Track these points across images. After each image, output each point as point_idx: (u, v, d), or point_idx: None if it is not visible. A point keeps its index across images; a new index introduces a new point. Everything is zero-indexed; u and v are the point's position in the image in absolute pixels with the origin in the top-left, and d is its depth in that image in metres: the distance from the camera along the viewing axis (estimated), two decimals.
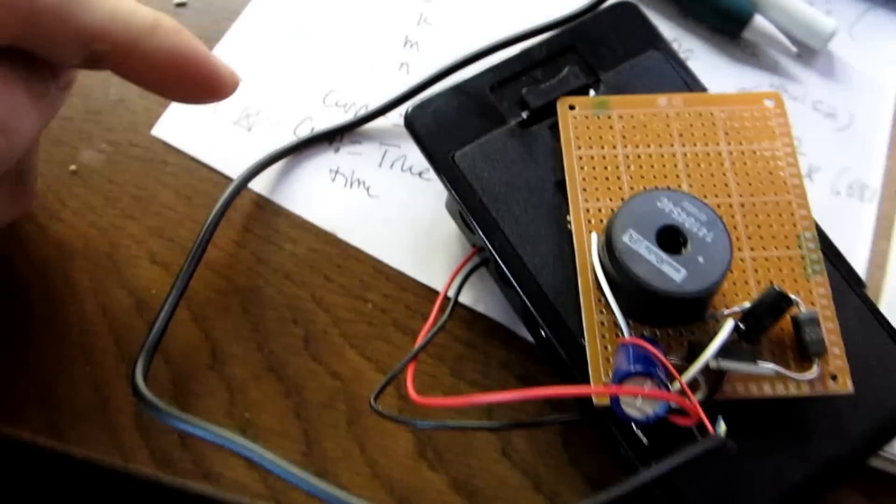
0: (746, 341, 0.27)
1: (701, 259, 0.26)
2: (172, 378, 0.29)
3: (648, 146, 0.30)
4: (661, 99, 0.31)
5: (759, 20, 0.40)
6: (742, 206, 0.30)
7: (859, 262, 0.35)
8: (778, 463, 0.28)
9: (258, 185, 0.36)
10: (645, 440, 0.27)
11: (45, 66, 0.26)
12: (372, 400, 0.29)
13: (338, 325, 0.33)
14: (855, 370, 0.28)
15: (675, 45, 0.35)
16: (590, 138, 0.30)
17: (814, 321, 0.27)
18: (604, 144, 0.30)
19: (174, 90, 0.27)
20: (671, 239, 0.27)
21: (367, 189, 0.36)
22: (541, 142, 0.31)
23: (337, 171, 0.37)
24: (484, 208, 0.30)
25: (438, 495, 0.31)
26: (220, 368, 0.32)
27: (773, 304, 0.27)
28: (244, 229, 0.35)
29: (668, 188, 0.29)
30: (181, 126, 0.37)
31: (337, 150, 0.37)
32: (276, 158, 0.36)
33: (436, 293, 0.34)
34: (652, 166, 0.30)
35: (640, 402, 0.25)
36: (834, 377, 0.28)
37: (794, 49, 0.41)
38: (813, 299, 0.28)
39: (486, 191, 0.30)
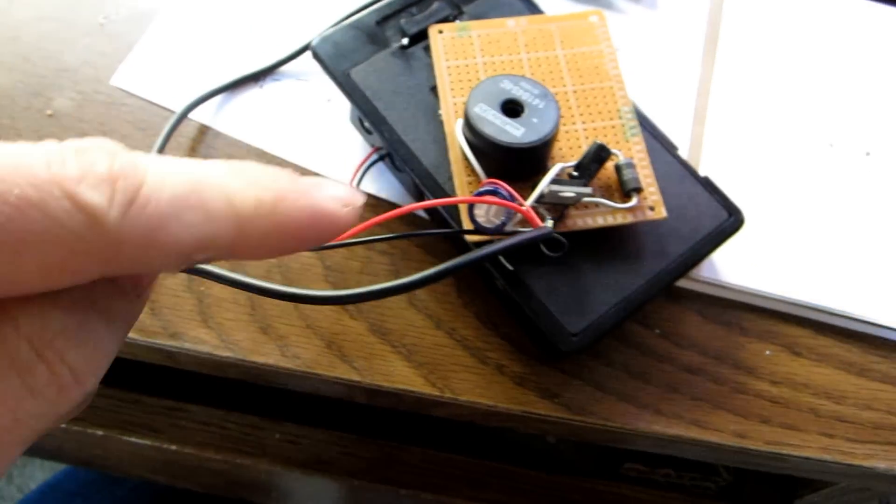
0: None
1: (535, 120, 0.32)
2: None
3: (501, 55, 0.35)
4: (510, 21, 0.36)
5: None
6: (575, 92, 0.35)
7: (683, 144, 0.40)
8: (616, 276, 0.33)
9: (202, 117, 0.40)
10: (510, 267, 0.32)
11: (130, 283, 0.19)
12: None
13: None
14: (672, 207, 0.33)
15: None
16: (455, 53, 0.35)
17: (630, 165, 0.33)
18: (466, 56, 0.35)
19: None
20: (512, 108, 0.32)
21: (286, 113, 0.41)
22: (418, 59, 0.36)
23: (261, 102, 0.41)
24: (376, 110, 0.35)
25: (359, 337, 0.35)
26: None
27: (596, 153, 0.32)
28: (191, 149, 0.39)
29: (510, 74, 0.34)
30: (135, 76, 0.41)
31: (262, 86, 0.42)
32: (212, 94, 0.40)
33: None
34: (504, 69, 0.35)
35: (491, 214, 0.30)
36: (652, 208, 0.33)
37: None
38: (632, 154, 0.34)
39: (376, 97, 0.35)
